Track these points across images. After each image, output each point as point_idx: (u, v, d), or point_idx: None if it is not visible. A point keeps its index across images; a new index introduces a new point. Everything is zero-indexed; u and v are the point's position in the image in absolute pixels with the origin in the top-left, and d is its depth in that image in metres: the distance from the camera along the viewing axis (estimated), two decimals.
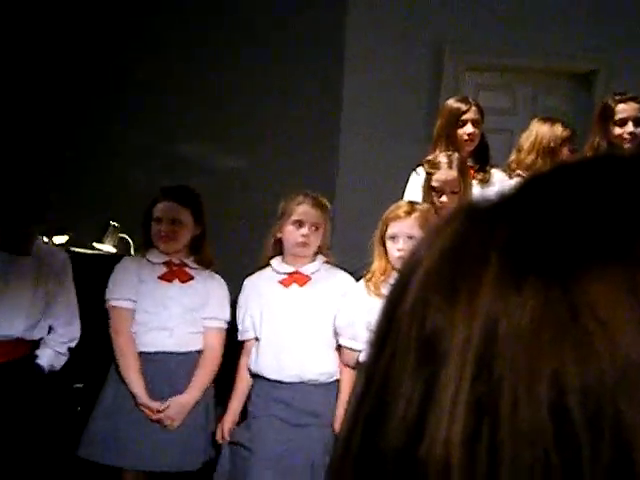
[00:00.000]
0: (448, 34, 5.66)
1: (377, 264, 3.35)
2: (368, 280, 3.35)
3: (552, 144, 4.05)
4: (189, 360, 3.52)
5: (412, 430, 0.41)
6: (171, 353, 3.49)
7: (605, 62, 5.69)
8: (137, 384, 3.44)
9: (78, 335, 3.49)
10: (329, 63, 5.68)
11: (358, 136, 5.65)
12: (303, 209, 3.41)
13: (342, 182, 5.68)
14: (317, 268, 3.47)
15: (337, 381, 3.43)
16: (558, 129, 4.09)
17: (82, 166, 5.64)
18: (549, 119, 4.20)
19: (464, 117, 4.13)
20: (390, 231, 3.33)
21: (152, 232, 3.56)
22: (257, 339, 3.48)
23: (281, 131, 5.71)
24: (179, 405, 3.45)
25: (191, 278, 3.58)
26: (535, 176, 0.47)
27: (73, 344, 3.48)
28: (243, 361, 3.50)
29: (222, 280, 3.67)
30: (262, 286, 3.50)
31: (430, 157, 3.92)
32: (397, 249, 3.27)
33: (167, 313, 3.50)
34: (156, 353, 3.48)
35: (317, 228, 3.41)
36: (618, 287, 0.39)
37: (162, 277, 3.55)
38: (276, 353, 3.39)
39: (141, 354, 3.49)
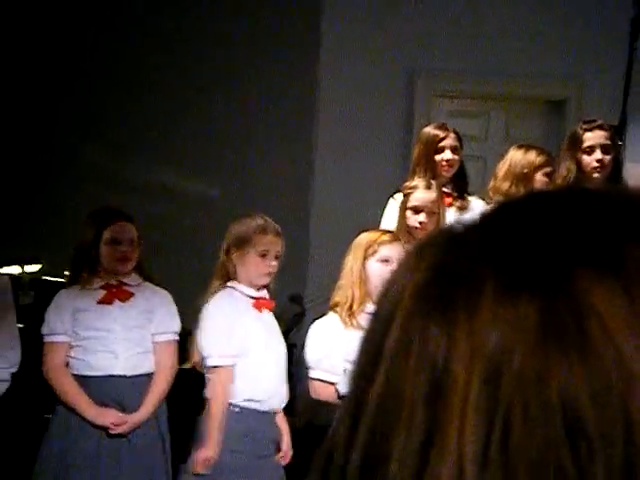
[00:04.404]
0: (420, 61, 5.70)
1: (356, 293, 3.32)
2: (345, 311, 3.32)
3: (525, 170, 4.07)
4: (139, 383, 3.48)
5: (420, 453, 0.41)
6: (119, 376, 3.45)
7: (577, 89, 5.76)
8: (88, 410, 3.41)
9: (19, 360, 3.43)
10: (303, 89, 5.70)
11: (332, 163, 5.67)
12: (268, 239, 3.36)
13: (316, 209, 5.68)
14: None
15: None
16: (532, 155, 4.12)
17: (55, 194, 5.61)
18: (524, 146, 4.24)
19: (442, 144, 4.17)
20: (381, 255, 3.31)
21: (104, 255, 3.48)
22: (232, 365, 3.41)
23: (254, 158, 5.72)
24: (132, 424, 3.43)
25: (131, 295, 3.54)
26: (514, 198, 0.48)
27: (15, 369, 3.42)
28: (221, 387, 3.31)
29: (166, 292, 3.62)
30: (238, 310, 3.38)
31: (407, 183, 3.96)
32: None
33: (112, 336, 3.47)
34: (104, 377, 3.45)
35: (277, 257, 3.40)
36: (616, 295, 0.40)
37: (102, 301, 3.50)
38: (263, 380, 3.35)
39: (90, 379, 3.45)
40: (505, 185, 4.09)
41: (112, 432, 3.39)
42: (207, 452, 3.22)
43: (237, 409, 3.30)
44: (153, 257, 5.18)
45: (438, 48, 5.69)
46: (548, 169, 4.11)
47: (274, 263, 3.36)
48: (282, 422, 3.44)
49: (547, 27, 5.67)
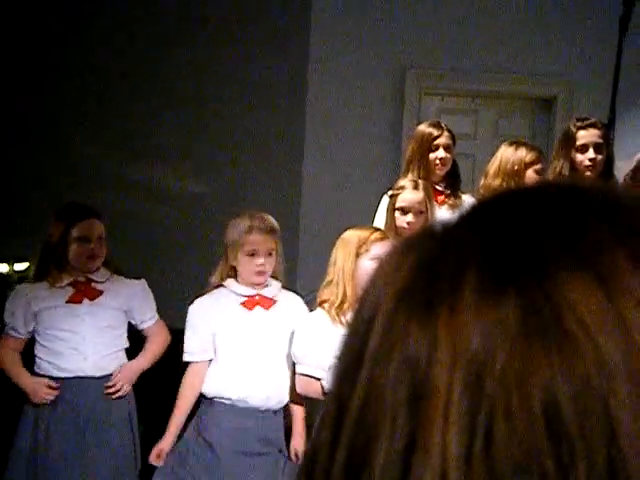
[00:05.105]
0: (410, 59, 5.71)
1: (348, 291, 3.32)
2: (335, 308, 3.32)
3: (516, 167, 4.06)
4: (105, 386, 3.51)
5: (403, 458, 0.41)
6: (89, 378, 3.45)
7: (566, 87, 5.78)
8: (28, 382, 3.45)
9: None
10: (292, 87, 5.70)
11: (321, 160, 5.67)
12: (255, 239, 3.35)
13: (305, 207, 5.68)
14: (278, 291, 3.46)
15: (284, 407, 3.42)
16: (522, 152, 4.11)
17: (45, 193, 5.59)
18: (515, 142, 4.23)
19: (436, 142, 4.15)
20: (374, 253, 3.31)
21: (73, 253, 3.47)
22: (209, 361, 3.45)
23: (244, 156, 5.72)
24: (127, 372, 3.51)
25: (100, 293, 3.54)
26: (493, 196, 0.48)
27: None
28: (188, 382, 3.44)
29: (137, 281, 3.64)
30: (220, 307, 3.44)
31: (397, 182, 3.97)
32: None
33: (79, 337, 3.47)
34: (74, 378, 3.45)
35: (270, 254, 3.40)
36: (595, 293, 0.40)
37: (70, 300, 3.50)
38: (237, 377, 3.37)
39: (61, 380, 3.46)
40: (496, 182, 4.08)
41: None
42: (161, 445, 3.36)
43: (210, 401, 3.38)
44: (144, 255, 5.18)
45: (428, 46, 5.70)
46: (539, 166, 4.11)
47: (261, 261, 3.36)
48: (295, 421, 3.43)
49: (536, 25, 5.68)
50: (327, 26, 5.70)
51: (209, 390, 3.39)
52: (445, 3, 5.71)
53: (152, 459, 3.36)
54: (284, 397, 3.41)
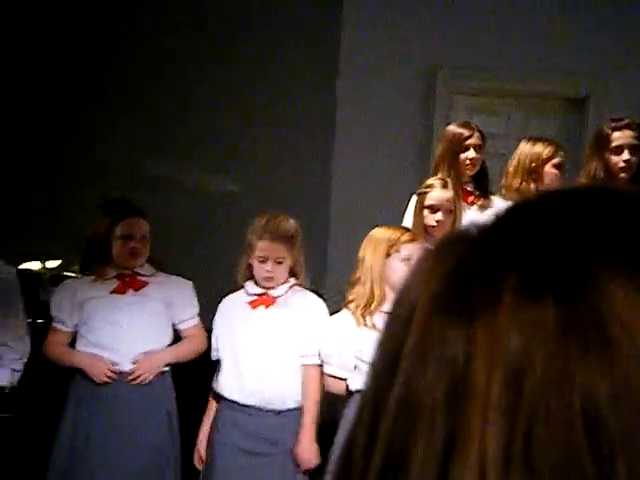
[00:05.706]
0: (441, 58, 5.69)
1: (376, 292, 3.31)
2: (361, 309, 3.31)
3: (533, 164, 4.02)
4: (144, 384, 3.50)
5: (441, 460, 0.41)
6: (129, 373, 3.46)
7: (597, 87, 5.73)
8: (84, 358, 3.47)
9: (29, 350, 3.51)
10: (322, 86, 5.70)
11: (351, 160, 5.66)
12: (264, 245, 3.37)
13: (335, 206, 5.68)
14: (284, 291, 3.45)
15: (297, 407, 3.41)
16: (539, 148, 4.06)
17: (76, 192, 5.64)
18: (532, 139, 4.18)
19: (467, 142, 4.11)
20: (404, 254, 3.30)
21: (116, 249, 3.51)
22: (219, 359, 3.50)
23: (273, 155, 5.72)
24: (148, 361, 3.48)
25: (145, 284, 3.56)
26: (527, 198, 0.47)
27: (25, 359, 3.50)
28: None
29: (182, 279, 3.67)
30: (231, 306, 3.53)
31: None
32: None
33: (122, 330, 3.49)
34: (113, 373, 3.46)
35: (280, 262, 3.39)
36: (635, 296, 0.40)
37: (115, 290, 3.53)
38: (236, 374, 3.40)
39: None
40: (516, 182, 4.04)
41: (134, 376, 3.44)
42: (197, 446, 3.50)
43: (222, 400, 3.45)
44: (174, 254, 5.20)
45: (458, 45, 5.67)
46: (557, 160, 4.06)
47: (269, 268, 3.37)
48: (304, 423, 3.37)
49: (568, 24, 5.64)
50: (358, 26, 5.69)
51: (215, 388, 3.47)
52: (476, 2, 5.69)
53: (196, 462, 3.49)
54: (287, 397, 3.38)
